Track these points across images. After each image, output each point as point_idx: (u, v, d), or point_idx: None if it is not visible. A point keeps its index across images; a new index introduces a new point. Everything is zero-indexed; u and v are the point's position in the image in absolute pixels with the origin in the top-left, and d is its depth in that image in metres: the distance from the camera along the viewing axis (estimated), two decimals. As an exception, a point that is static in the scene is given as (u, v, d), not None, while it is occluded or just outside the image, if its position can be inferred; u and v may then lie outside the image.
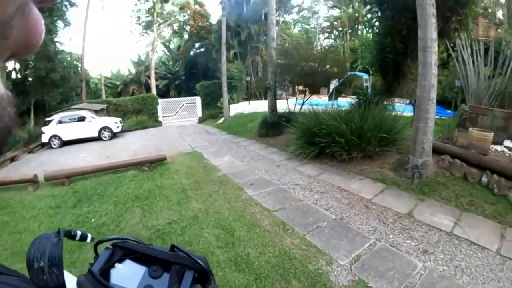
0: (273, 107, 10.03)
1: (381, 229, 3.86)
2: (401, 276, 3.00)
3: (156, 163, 7.03)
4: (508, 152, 5.04)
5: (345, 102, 7.97)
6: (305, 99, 9.51)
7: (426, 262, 3.22)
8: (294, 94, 12.15)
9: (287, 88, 11.87)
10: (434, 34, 4.52)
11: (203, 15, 23.36)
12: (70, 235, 0.62)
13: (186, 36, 26.24)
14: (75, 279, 0.52)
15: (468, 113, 5.97)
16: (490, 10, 8.18)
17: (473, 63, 6.39)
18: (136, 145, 10.72)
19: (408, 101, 7.73)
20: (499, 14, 7.75)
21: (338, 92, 10.79)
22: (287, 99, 10.91)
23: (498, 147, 5.07)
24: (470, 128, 5.19)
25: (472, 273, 3.03)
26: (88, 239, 0.67)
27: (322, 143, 5.72)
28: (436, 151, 5.17)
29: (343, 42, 18.59)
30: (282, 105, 10.83)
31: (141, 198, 5.23)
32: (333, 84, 12.06)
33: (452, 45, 7.06)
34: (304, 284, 2.92)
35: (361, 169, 5.57)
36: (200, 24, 22.76)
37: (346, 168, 5.74)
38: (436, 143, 5.26)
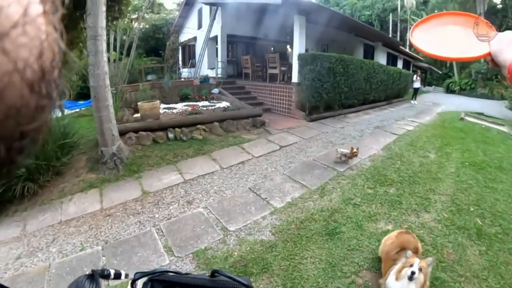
0: None
1: (145, 217, 4.40)
2: (199, 226, 4.29)
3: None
4: (168, 111, 7.11)
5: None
6: None
7: (197, 208, 4.47)
8: None
9: None
10: (104, 22, 5.32)
11: None
12: (104, 275, 0.71)
13: None
14: None
15: (124, 92, 7.29)
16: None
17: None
18: None
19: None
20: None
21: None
22: None
23: (161, 110, 6.72)
24: (139, 103, 7.10)
25: (219, 186, 5.20)
26: (122, 276, 0.76)
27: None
28: (119, 134, 6.22)
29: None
30: None
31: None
32: None
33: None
34: None
35: (62, 190, 5.32)
36: None
37: (44, 199, 5.16)
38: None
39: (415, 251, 2.67)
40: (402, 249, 2.71)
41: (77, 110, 10.73)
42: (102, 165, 5.71)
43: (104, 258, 3.65)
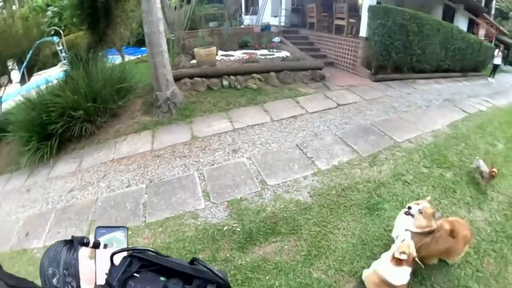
0: None
1: (190, 161, 4.43)
2: (240, 176, 4.17)
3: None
4: (226, 58, 7.07)
5: (58, 73, 7.69)
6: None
7: (242, 157, 4.39)
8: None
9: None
10: None
11: None
12: (83, 243, 0.67)
13: None
14: None
15: (182, 38, 7.28)
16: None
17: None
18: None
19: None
20: None
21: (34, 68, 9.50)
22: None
23: (217, 58, 6.57)
24: (195, 49, 7.02)
25: (266, 139, 4.98)
26: (101, 247, 0.71)
27: (59, 129, 5.28)
28: (174, 79, 6.24)
29: (15, 9, 15.37)
30: None
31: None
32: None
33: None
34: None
35: (117, 131, 5.67)
36: None
37: (100, 139, 5.56)
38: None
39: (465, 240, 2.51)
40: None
41: (138, 56, 11.06)
42: (156, 109, 5.84)
43: (146, 196, 3.79)
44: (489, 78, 12.51)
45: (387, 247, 2.74)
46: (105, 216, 3.53)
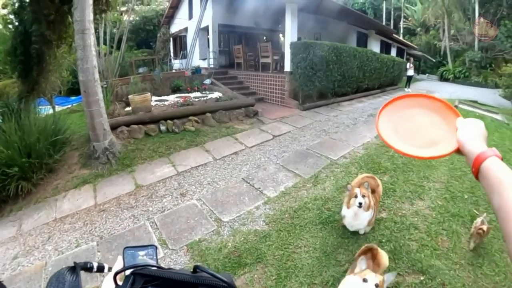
0: None
1: (139, 211, 4.38)
2: (193, 218, 4.23)
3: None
4: (160, 103, 7.23)
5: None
6: None
7: (191, 200, 4.46)
8: None
9: None
10: (91, 16, 5.31)
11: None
12: (87, 268, 0.72)
13: None
14: None
15: (115, 86, 7.20)
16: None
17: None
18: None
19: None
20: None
21: None
22: None
23: (152, 103, 6.83)
24: (130, 96, 7.07)
25: (212, 178, 5.16)
26: (106, 270, 0.75)
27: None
28: (111, 128, 6.19)
29: None
30: None
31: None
32: None
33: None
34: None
35: (55, 188, 5.32)
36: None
37: (39, 198, 5.19)
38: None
39: (372, 189, 3.14)
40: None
41: (69, 106, 10.61)
42: (94, 160, 5.66)
43: (99, 253, 3.63)
44: (406, 89, 14.37)
45: (348, 253, 3.09)
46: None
